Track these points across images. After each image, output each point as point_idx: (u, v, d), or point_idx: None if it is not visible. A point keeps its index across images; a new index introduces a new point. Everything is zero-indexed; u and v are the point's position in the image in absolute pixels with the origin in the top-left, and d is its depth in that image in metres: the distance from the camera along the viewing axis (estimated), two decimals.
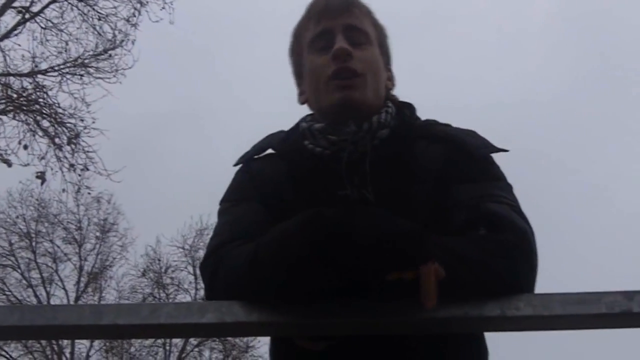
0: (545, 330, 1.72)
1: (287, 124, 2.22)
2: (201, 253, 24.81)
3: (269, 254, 1.70)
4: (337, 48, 2.05)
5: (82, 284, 25.21)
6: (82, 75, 16.25)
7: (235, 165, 2.18)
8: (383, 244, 1.60)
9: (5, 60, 15.64)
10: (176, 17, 16.72)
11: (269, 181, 2.06)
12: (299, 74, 2.22)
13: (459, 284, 1.64)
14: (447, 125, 2.13)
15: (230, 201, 2.10)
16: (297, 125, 2.16)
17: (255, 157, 2.17)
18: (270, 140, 2.18)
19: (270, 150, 2.16)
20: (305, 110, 2.21)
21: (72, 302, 24.19)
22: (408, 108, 2.17)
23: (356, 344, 1.76)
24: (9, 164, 14.69)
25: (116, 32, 16.68)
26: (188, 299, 25.22)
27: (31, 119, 15.43)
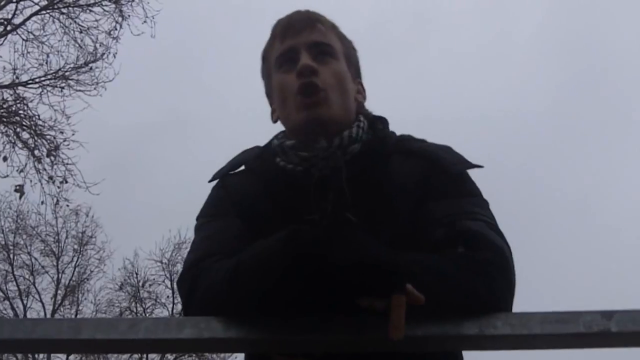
0: (523, 349, 1.71)
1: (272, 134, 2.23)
2: (179, 267, 24.75)
3: (248, 270, 1.70)
4: (301, 65, 2.05)
5: (59, 297, 25.08)
6: (62, 88, 16.26)
7: (211, 181, 2.19)
8: (357, 269, 1.58)
9: None
10: (163, 26, 16.72)
11: (245, 196, 2.07)
12: (270, 93, 2.24)
13: (437, 302, 1.63)
14: (423, 141, 2.13)
15: (207, 217, 2.10)
16: (270, 142, 2.17)
17: (231, 172, 2.17)
18: (245, 156, 2.19)
19: (245, 166, 2.17)
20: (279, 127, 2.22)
21: (49, 315, 24.11)
22: (381, 122, 2.17)
23: None
24: None
25: (97, 45, 16.70)
26: (165, 313, 25.16)
27: (11, 131, 15.40)
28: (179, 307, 24.92)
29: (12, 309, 24.17)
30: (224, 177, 2.17)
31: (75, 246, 25.32)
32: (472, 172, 2.06)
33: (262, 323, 1.67)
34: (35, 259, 24.87)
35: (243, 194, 2.07)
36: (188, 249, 2.04)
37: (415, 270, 1.65)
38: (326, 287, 1.61)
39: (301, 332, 1.66)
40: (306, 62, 2.06)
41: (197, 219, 2.12)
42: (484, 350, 1.72)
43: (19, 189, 14.95)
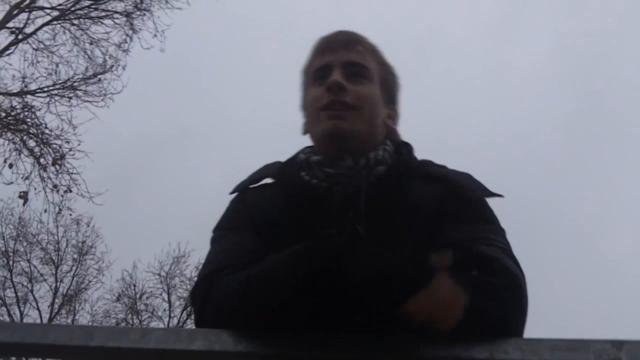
0: None
1: (278, 151, 2.26)
2: (177, 281, 24.86)
3: (261, 284, 1.71)
4: (330, 80, 2.09)
5: (56, 306, 25.03)
6: (70, 98, 16.29)
7: (231, 193, 2.19)
8: (384, 275, 1.62)
9: None
10: (170, 39, 16.78)
11: (263, 211, 2.07)
12: (303, 107, 2.26)
13: None
14: (443, 167, 2.15)
15: (224, 229, 2.11)
16: (295, 156, 2.18)
17: (251, 186, 2.18)
18: (267, 170, 2.20)
19: (266, 180, 2.18)
20: (305, 141, 2.24)
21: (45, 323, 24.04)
22: (405, 147, 2.19)
23: None
24: None
25: (107, 57, 16.75)
26: (161, 326, 25.07)
27: (18, 138, 15.42)
28: (175, 321, 24.93)
29: (9, 315, 24.10)
30: (244, 190, 2.18)
31: (75, 255, 25.36)
32: (490, 201, 2.08)
33: (272, 338, 1.68)
34: (35, 266, 24.92)
35: (261, 208, 2.08)
36: (202, 262, 2.05)
37: None
38: (339, 303, 1.62)
39: (311, 349, 1.67)
40: (335, 79, 2.09)
41: (214, 230, 2.12)
42: None
43: (23, 196, 14.96)
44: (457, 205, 2.00)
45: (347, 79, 2.10)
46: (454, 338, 1.65)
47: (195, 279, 1.99)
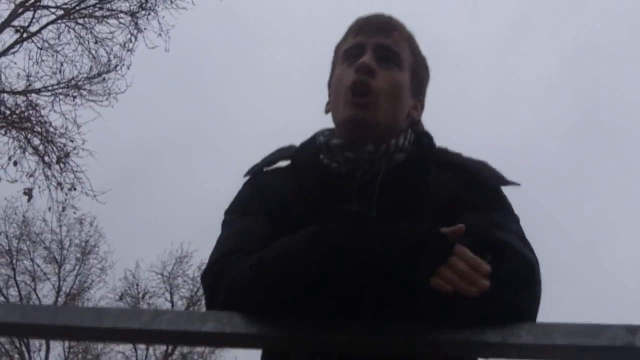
0: (545, 359, 1.72)
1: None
2: (179, 280, 24.89)
3: (273, 266, 1.71)
4: (361, 62, 2.05)
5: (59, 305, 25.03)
6: (74, 97, 16.26)
7: (245, 176, 2.17)
8: (410, 242, 1.64)
9: (0, 77, 15.66)
10: (179, 43, 16.79)
11: (276, 195, 2.05)
12: (330, 83, 2.24)
13: (462, 307, 1.64)
14: (459, 154, 2.14)
15: (236, 212, 2.08)
16: (313, 138, 2.16)
17: (265, 169, 2.16)
18: (282, 152, 2.18)
19: (280, 164, 2.16)
20: (326, 121, 2.22)
21: None
22: (427, 137, 2.17)
23: None
24: None
25: (111, 57, 16.73)
26: None
27: (22, 136, 15.43)
28: None
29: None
30: (257, 174, 2.16)
31: (78, 255, 25.32)
32: (505, 190, 2.08)
33: (283, 321, 1.68)
34: (38, 265, 24.89)
35: (275, 192, 2.06)
36: (214, 244, 2.01)
37: None
38: (357, 285, 1.63)
39: (323, 332, 1.67)
40: (366, 60, 2.06)
41: (225, 213, 2.10)
42: (506, 359, 1.72)
43: (28, 193, 14.96)
44: (473, 192, 1.99)
45: (377, 62, 2.08)
46: (467, 322, 1.65)
47: (200, 274, 1.97)
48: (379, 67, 2.07)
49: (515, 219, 1.99)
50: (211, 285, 1.86)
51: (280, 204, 2.02)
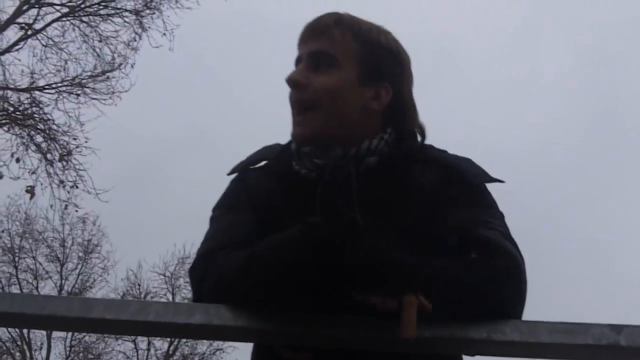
0: (530, 357, 1.72)
1: None
2: (182, 281, 24.87)
3: (264, 261, 1.71)
4: (286, 79, 2.04)
5: None
6: (78, 95, 16.30)
7: (230, 174, 2.17)
8: (370, 269, 1.61)
9: (4, 74, 15.70)
10: (192, 41, 16.79)
11: (262, 192, 2.05)
12: None
13: (447, 304, 1.65)
14: (444, 151, 2.12)
15: (223, 209, 2.09)
16: (289, 143, 2.14)
17: (251, 167, 2.16)
18: (265, 152, 2.17)
19: (265, 162, 2.16)
20: None
21: None
22: (410, 136, 2.13)
23: (341, 357, 1.76)
24: (0, 175, 14.67)
25: (115, 55, 16.76)
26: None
27: (25, 133, 15.45)
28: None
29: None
30: (243, 171, 2.16)
31: (80, 254, 25.37)
32: (490, 187, 2.07)
33: (271, 314, 1.68)
34: (40, 263, 24.94)
35: (260, 189, 2.06)
36: (202, 239, 2.02)
37: (426, 272, 1.66)
38: (338, 282, 1.62)
39: (310, 326, 1.68)
40: (291, 76, 2.04)
41: (213, 210, 2.10)
42: (491, 356, 1.73)
43: (30, 190, 14.98)
44: (457, 189, 1.98)
45: (312, 70, 2.04)
46: (453, 319, 1.66)
47: (188, 269, 1.96)
48: (313, 74, 2.03)
49: (500, 216, 1.99)
50: (199, 279, 1.86)
51: (265, 201, 2.03)
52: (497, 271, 1.75)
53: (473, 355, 1.80)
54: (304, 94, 2.02)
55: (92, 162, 15.80)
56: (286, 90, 2.08)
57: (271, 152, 2.16)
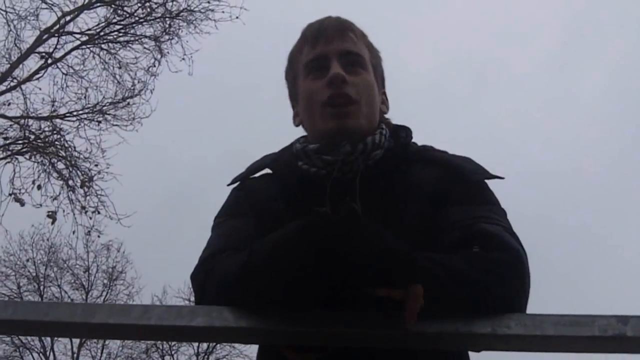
0: (536, 351, 1.70)
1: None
2: None
3: (263, 259, 1.70)
4: (333, 74, 2.06)
5: None
6: (99, 122, 16.38)
7: (230, 184, 2.20)
8: (375, 259, 1.61)
9: (25, 102, 15.80)
10: (231, 68, 16.85)
11: (263, 199, 2.08)
12: (294, 97, 2.25)
13: (450, 299, 1.64)
14: (444, 152, 2.15)
15: (224, 216, 2.12)
16: (290, 146, 2.18)
17: (250, 177, 2.19)
18: (264, 161, 2.21)
19: (266, 170, 2.19)
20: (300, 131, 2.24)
21: (75, 352, 24.28)
22: (404, 130, 2.19)
23: (346, 357, 1.75)
24: (22, 203, 14.74)
25: (135, 81, 16.85)
26: (191, 350, 25.24)
27: (46, 161, 15.55)
28: (204, 346, 24.94)
29: (40, 340, 24.28)
30: (243, 180, 2.19)
31: (105, 281, 25.47)
32: (491, 184, 2.08)
33: (274, 314, 1.67)
34: (65, 291, 25.06)
35: (261, 196, 2.09)
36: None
37: (429, 266, 1.65)
38: (341, 277, 1.61)
39: (314, 325, 1.67)
40: (338, 72, 2.07)
41: (215, 219, 2.13)
42: (496, 351, 1.71)
43: (51, 215, 15.03)
44: (457, 187, 2.00)
45: (345, 69, 2.09)
46: (455, 314, 1.65)
47: (190, 275, 1.97)
48: (347, 73, 2.08)
49: (501, 212, 1.99)
50: (201, 284, 1.87)
51: (267, 207, 2.05)
52: (500, 265, 1.74)
53: (479, 351, 1.79)
54: (348, 90, 2.06)
55: (114, 187, 15.87)
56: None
57: (269, 159, 2.19)
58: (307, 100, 2.14)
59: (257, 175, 2.19)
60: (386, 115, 2.24)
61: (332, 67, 2.08)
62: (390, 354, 1.75)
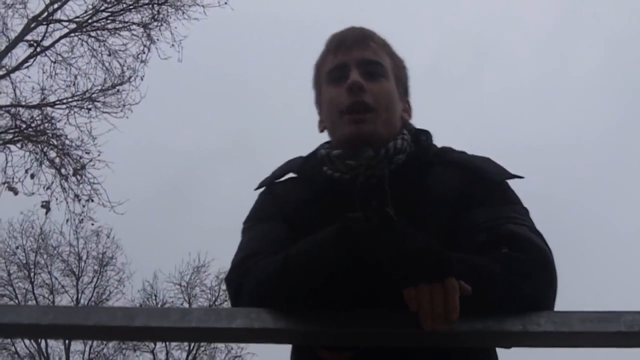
0: (564, 347, 1.75)
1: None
2: (197, 290, 24.92)
3: (299, 263, 1.75)
4: (351, 82, 2.11)
5: None
6: (89, 109, 16.32)
7: (257, 189, 2.25)
8: (408, 256, 1.65)
9: (15, 91, 15.76)
10: (225, 53, 16.80)
11: (291, 202, 2.13)
12: (319, 104, 2.30)
13: (481, 298, 1.68)
14: (463, 153, 2.20)
15: (254, 220, 2.17)
16: (316, 151, 2.23)
17: (276, 181, 2.24)
18: (290, 165, 2.26)
19: (290, 175, 2.23)
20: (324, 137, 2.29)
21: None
22: (425, 134, 2.23)
23: (380, 356, 1.80)
24: (15, 192, 14.73)
25: (125, 68, 16.80)
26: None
27: (38, 149, 15.51)
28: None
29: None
30: (270, 184, 2.24)
31: (96, 267, 25.37)
32: (511, 182, 2.12)
33: (311, 316, 1.72)
34: (56, 278, 24.96)
35: (289, 199, 2.14)
36: (235, 251, 2.08)
37: (460, 268, 1.69)
38: (376, 279, 1.66)
39: (349, 326, 1.71)
40: (355, 79, 2.11)
41: (244, 222, 2.18)
42: (526, 347, 1.76)
43: (46, 205, 15.02)
44: (479, 188, 2.04)
45: (364, 77, 2.13)
46: (486, 312, 1.70)
47: (224, 278, 2.01)
48: (366, 81, 2.13)
49: (525, 212, 2.04)
50: (237, 286, 1.91)
51: (295, 210, 2.10)
52: (530, 265, 1.79)
53: (509, 347, 1.84)
54: (366, 97, 2.11)
55: (106, 175, 15.84)
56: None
57: (295, 164, 2.24)
58: (328, 107, 2.20)
59: (282, 179, 2.24)
60: (410, 123, 2.28)
61: (351, 75, 2.13)
62: (422, 353, 1.81)
